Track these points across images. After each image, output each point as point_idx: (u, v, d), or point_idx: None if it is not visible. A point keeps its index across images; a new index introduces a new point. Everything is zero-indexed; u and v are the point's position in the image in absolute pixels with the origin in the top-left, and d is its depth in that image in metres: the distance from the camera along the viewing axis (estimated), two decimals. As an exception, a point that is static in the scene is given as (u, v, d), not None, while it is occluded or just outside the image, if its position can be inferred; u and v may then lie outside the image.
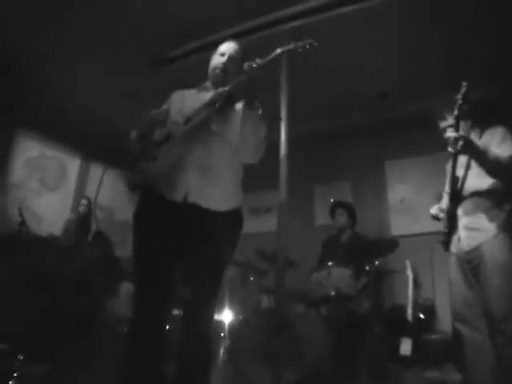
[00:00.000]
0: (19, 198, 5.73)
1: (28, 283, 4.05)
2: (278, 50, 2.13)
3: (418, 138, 5.33)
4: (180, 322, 2.04)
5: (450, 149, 2.56)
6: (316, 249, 4.89)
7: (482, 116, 2.95)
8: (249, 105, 2.09)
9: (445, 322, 4.00)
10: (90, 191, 6.62)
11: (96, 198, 5.24)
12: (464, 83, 2.58)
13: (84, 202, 5.79)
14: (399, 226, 5.55)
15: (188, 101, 2.33)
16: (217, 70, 2.35)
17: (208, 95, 2.27)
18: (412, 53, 4.74)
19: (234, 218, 2.19)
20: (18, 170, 5.96)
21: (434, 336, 4.11)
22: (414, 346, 3.75)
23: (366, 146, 6.03)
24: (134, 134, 2.28)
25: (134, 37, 4.70)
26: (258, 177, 5.91)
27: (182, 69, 4.91)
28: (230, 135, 2.20)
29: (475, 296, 2.63)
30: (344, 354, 3.46)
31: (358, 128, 6.07)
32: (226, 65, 2.33)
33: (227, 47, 2.41)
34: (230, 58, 2.35)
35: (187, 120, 2.15)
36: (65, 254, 4.94)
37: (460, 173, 2.81)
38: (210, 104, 2.15)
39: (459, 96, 2.59)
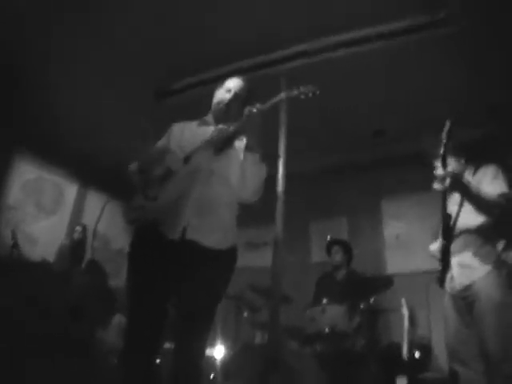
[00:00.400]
0: (14, 221, 5.70)
1: (18, 307, 3.99)
2: (282, 95, 2.16)
3: (414, 176, 5.35)
4: (171, 356, 2.02)
5: (436, 186, 2.59)
6: (311, 285, 4.87)
7: (478, 154, 2.98)
8: (250, 148, 2.14)
9: (441, 360, 3.96)
10: (86, 218, 6.60)
11: (96, 228, 5.24)
12: (447, 121, 2.62)
13: (79, 228, 5.78)
14: (395, 263, 5.53)
15: (188, 134, 2.35)
16: (221, 105, 2.38)
17: (209, 130, 2.32)
18: (409, 91, 4.84)
19: (230, 256, 2.20)
20: (15, 192, 5.94)
21: (429, 374, 4.05)
22: (410, 386, 3.71)
23: (363, 183, 6.05)
24: (133, 166, 2.31)
25: (137, 68, 4.77)
26: (255, 211, 5.96)
27: (184, 102, 4.97)
28: (229, 174, 2.22)
29: (470, 335, 2.61)
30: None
31: (355, 165, 6.14)
32: (230, 101, 2.37)
33: (234, 84, 2.44)
34: (236, 95, 2.39)
35: (187, 158, 2.17)
36: (57, 280, 4.89)
37: (453, 209, 2.82)
38: (211, 143, 2.19)
39: (443, 134, 2.63)
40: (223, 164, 2.21)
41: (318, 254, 5.90)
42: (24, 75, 5.04)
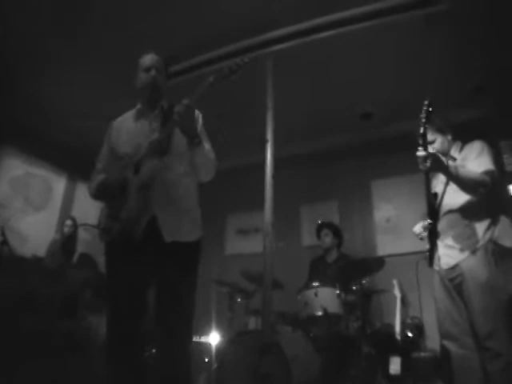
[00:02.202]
0: (3, 218, 5.64)
1: (10, 304, 3.98)
2: (210, 79, 2.16)
3: (404, 158, 5.36)
4: (158, 345, 2.12)
5: (420, 167, 2.57)
6: (303, 269, 4.89)
7: (465, 131, 2.98)
8: (192, 143, 2.17)
9: (433, 339, 4.00)
10: (76, 211, 6.56)
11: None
12: (425, 101, 2.60)
13: (69, 222, 5.74)
14: (385, 245, 5.55)
15: (125, 133, 2.40)
16: (149, 87, 2.39)
17: (145, 124, 2.35)
18: (395, 73, 4.83)
19: (198, 247, 2.29)
20: (3, 188, 5.88)
21: (422, 354, 4.09)
22: (403, 365, 3.74)
23: (352, 166, 6.07)
24: (92, 190, 2.42)
25: (124, 55, 4.70)
26: (245, 197, 5.98)
27: (173, 89, 4.92)
28: (179, 169, 2.29)
29: (460, 313, 2.63)
30: (332, 374, 3.43)
31: (344, 148, 6.15)
32: (155, 78, 2.38)
33: (150, 61, 2.44)
34: (157, 70, 2.40)
35: (136, 169, 2.19)
36: (49, 275, 4.88)
37: (440, 189, 2.82)
38: (152, 152, 2.19)
39: (422, 114, 2.58)
40: (171, 164, 2.25)
41: (308, 238, 5.92)
42: (7, 68, 4.98)
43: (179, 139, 2.22)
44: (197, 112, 2.30)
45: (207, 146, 2.31)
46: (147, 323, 2.15)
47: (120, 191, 2.18)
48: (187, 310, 2.13)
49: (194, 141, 2.17)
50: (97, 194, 2.37)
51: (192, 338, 2.20)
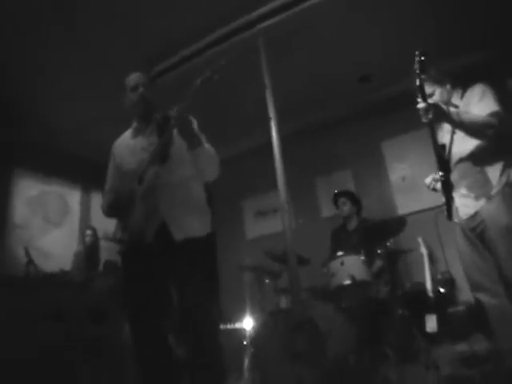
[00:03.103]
0: (25, 238, 5.73)
1: (43, 320, 4.05)
2: (197, 81, 2.17)
3: (409, 114, 5.29)
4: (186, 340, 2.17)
5: (423, 120, 2.51)
6: (325, 241, 4.87)
7: (463, 78, 2.90)
8: (192, 146, 2.22)
9: (466, 291, 3.95)
10: (95, 220, 6.62)
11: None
12: (416, 52, 2.53)
13: (89, 232, 5.79)
14: (405, 205, 5.49)
15: (125, 151, 2.49)
16: (139, 106, 2.47)
17: (143, 140, 2.44)
18: (389, 30, 4.73)
19: (209, 241, 2.35)
20: (20, 210, 5.96)
21: (457, 308, 4.06)
22: (440, 321, 3.72)
23: (360, 131, 6.00)
24: (104, 209, 2.54)
25: (121, 62, 4.70)
26: (258, 179, 5.97)
27: (169, 83, 4.89)
28: (183, 168, 2.35)
29: (487, 262, 2.58)
30: (368, 341, 3.43)
31: (349, 115, 6.07)
32: (143, 96, 2.44)
33: (135, 80, 2.50)
34: (144, 85, 2.47)
35: (140, 179, 2.27)
36: (77, 288, 4.94)
37: (447, 139, 2.75)
38: (153, 161, 2.28)
39: (415, 66, 2.52)
40: (173, 169, 2.33)
41: (327, 210, 5.90)
42: (15, 86, 5.05)
43: (179, 144, 2.29)
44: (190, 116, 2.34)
45: (207, 145, 2.36)
46: (172, 321, 2.21)
47: (130, 204, 2.28)
48: (209, 300, 2.18)
49: (194, 142, 2.21)
50: (109, 212, 2.49)
51: (218, 327, 2.26)
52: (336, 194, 4.96)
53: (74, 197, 6.78)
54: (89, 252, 5.63)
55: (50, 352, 3.67)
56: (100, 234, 5.81)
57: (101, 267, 5.53)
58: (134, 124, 2.55)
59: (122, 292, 2.38)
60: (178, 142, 2.29)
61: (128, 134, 2.58)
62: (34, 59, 4.60)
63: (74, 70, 4.79)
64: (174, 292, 2.21)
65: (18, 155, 5.86)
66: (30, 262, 5.01)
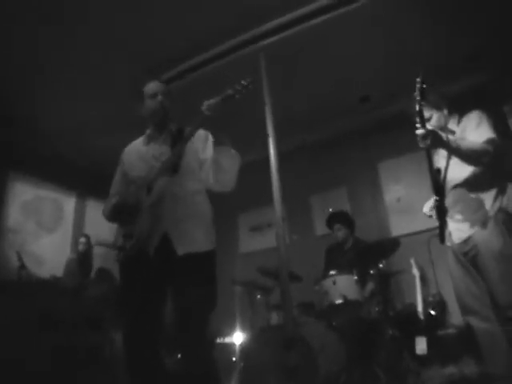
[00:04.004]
0: (17, 243, 5.72)
1: (34, 326, 4.04)
2: (229, 91, 2.20)
3: (407, 137, 5.33)
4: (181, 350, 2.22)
5: (421, 145, 2.54)
6: (319, 259, 4.88)
7: (460, 103, 2.95)
8: (219, 142, 2.24)
9: (456, 315, 3.97)
10: (88, 228, 6.62)
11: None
12: (417, 79, 2.57)
13: (83, 240, 5.79)
14: (399, 226, 5.53)
15: (136, 158, 2.48)
16: (158, 114, 2.45)
17: (156, 146, 2.43)
18: (387, 52, 4.80)
19: (211, 257, 2.32)
20: (14, 214, 5.95)
21: (447, 331, 4.07)
22: (430, 344, 3.72)
23: (357, 150, 6.05)
24: (106, 212, 2.48)
25: (118, 69, 4.75)
26: (254, 194, 5.99)
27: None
28: (192, 182, 2.36)
29: (479, 286, 2.60)
30: (359, 360, 3.43)
31: (347, 133, 6.12)
32: (162, 104, 2.42)
33: (154, 88, 2.49)
34: (163, 94, 2.45)
35: (149, 188, 2.27)
36: (69, 294, 4.92)
37: (442, 164, 2.78)
38: (165, 168, 2.27)
39: (416, 93, 2.53)
40: (183, 181, 2.32)
41: (321, 228, 5.88)
42: (10, 93, 5.06)
43: (191, 157, 2.32)
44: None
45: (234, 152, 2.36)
46: (165, 334, 2.22)
47: (134, 211, 2.27)
48: (203, 314, 2.16)
49: (221, 141, 2.25)
50: (111, 216, 2.43)
51: (213, 341, 2.26)
52: (329, 218, 4.97)
53: (68, 203, 6.78)
54: (82, 259, 5.62)
55: (41, 358, 3.66)
56: (93, 241, 5.81)
57: (93, 275, 5.53)
58: (148, 131, 2.53)
59: (117, 300, 2.35)
60: (190, 155, 2.31)
61: (140, 141, 2.57)
62: (32, 63, 4.60)
63: (72, 74, 4.78)
64: (171, 304, 2.19)
65: (13, 159, 5.85)
66: (23, 266, 5.01)
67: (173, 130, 2.45)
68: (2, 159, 5.65)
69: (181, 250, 2.17)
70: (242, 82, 2.20)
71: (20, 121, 5.46)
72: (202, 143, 2.43)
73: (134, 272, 2.23)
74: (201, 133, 2.44)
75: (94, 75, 4.85)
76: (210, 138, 2.44)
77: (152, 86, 2.49)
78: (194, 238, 2.24)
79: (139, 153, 2.47)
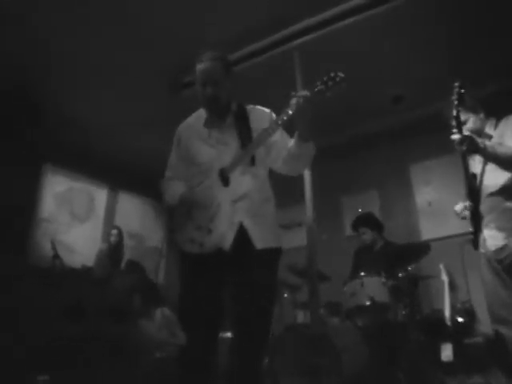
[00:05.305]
0: (51, 232, 5.87)
1: (64, 314, 4.12)
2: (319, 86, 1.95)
3: (440, 138, 5.27)
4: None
5: (457, 150, 2.50)
6: (347, 260, 4.86)
7: (497, 107, 2.87)
8: (302, 137, 2.05)
9: (485, 323, 3.90)
10: (119, 220, 6.76)
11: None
12: (456, 83, 2.53)
13: (114, 231, 5.90)
14: (429, 230, 5.46)
15: (197, 139, 2.28)
16: (208, 102, 2.22)
17: (220, 132, 2.23)
18: (424, 54, 4.75)
19: (280, 253, 2.23)
20: (48, 204, 6.13)
21: (475, 339, 3.99)
22: (456, 351, 3.67)
23: (389, 152, 5.98)
24: (172, 200, 2.27)
25: (151, 66, 4.82)
26: (286, 192, 6.00)
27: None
28: (263, 171, 2.27)
29: (511, 296, 2.55)
30: (382, 363, 3.41)
31: (379, 135, 6.06)
32: (214, 92, 2.17)
33: (205, 73, 2.19)
34: (214, 82, 2.17)
35: (224, 179, 2.11)
36: (99, 284, 5.02)
37: (478, 169, 2.74)
38: (241, 161, 2.12)
39: (454, 97, 2.52)
40: (258, 171, 2.21)
41: (350, 229, 5.88)
42: (46, 86, 5.19)
43: (262, 148, 2.18)
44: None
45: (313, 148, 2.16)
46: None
47: (208, 203, 2.11)
48: (269, 315, 2.10)
49: (304, 136, 2.04)
50: (178, 205, 2.21)
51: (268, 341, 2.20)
52: (355, 223, 4.94)
53: (100, 195, 6.94)
54: (112, 250, 5.73)
55: (69, 345, 3.72)
56: (125, 233, 5.93)
57: (123, 266, 5.63)
58: (206, 114, 2.29)
59: (180, 292, 2.20)
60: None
61: (197, 119, 2.34)
62: (67, 59, 4.72)
63: (112, 70, 4.91)
64: (233, 302, 2.08)
65: (49, 151, 6.03)
66: (57, 255, 5.12)
67: (235, 111, 2.26)
68: (39, 151, 5.80)
69: (259, 244, 2.06)
70: (332, 75, 1.94)
71: (58, 114, 5.59)
72: (268, 124, 2.13)
73: (204, 270, 2.09)
74: (264, 113, 2.30)
75: (132, 73, 4.96)
76: (274, 118, 2.21)
77: (201, 72, 2.19)
78: (269, 231, 2.15)
79: (201, 135, 2.26)
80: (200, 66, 2.19)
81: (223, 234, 2.05)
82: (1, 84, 4.99)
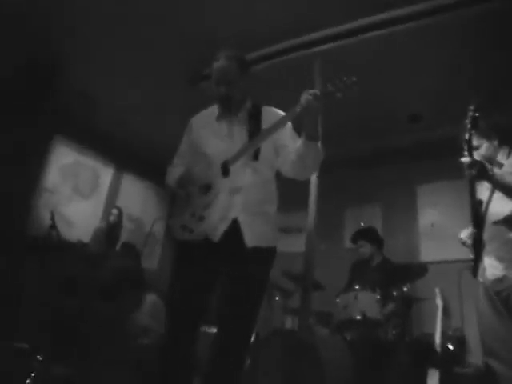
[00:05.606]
0: (52, 203, 5.86)
1: (55, 286, 4.12)
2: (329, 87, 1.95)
3: (450, 162, 5.24)
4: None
5: (465, 174, 2.47)
6: (344, 271, 4.82)
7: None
8: (310, 137, 2.04)
9: (476, 354, 3.86)
10: (121, 201, 6.74)
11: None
12: (470, 107, 2.49)
13: (115, 211, 5.89)
14: (429, 252, 5.43)
15: (209, 131, 2.30)
16: (222, 101, 2.27)
17: (231, 126, 2.26)
18: (444, 76, 4.70)
19: (274, 254, 2.23)
20: (53, 175, 6.11)
21: (464, 369, 3.94)
22: (442, 380, 3.62)
23: (398, 170, 5.97)
24: (171, 181, 2.33)
25: (173, 54, 4.78)
26: (290, 197, 5.97)
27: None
28: (267, 169, 2.25)
29: (507, 330, 2.48)
30: (366, 380, 3.37)
31: (390, 151, 6.04)
32: (228, 92, 2.21)
33: (220, 72, 2.22)
34: (228, 83, 2.20)
35: (225, 170, 2.12)
36: (92, 261, 5.00)
37: (485, 196, 2.69)
38: (244, 154, 2.13)
39: (467, 120, 2.49)
40: (262, 167, 2.21)
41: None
42: (60, 62, 5.17)
43: (267, 145, 2.17)
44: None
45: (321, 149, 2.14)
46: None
47: (204, 190, 2.14)
48: (253, 315, 2.11)
49: (312, 136, 2.03)
50: (176, 186, 2.27)
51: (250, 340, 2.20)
52: (355, 235, 4.90)
53: (106, 174, 6.93)
54: (110, 230, 5.72)
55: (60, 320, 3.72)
56: (125, 215, 5.91)
57: (118, 248, 5.61)
58: (219, 108, 2.32)
59: (172, 278, 2.22)
60: (267, 143, 2.16)
61: (211, 113, 2.36)
62: (81, 34, 4.68)
63: (129, 52, 4.85)
64: (219, 296, 2.11)
65: (58, 122, 5.97)
66: (54, 226, 5.10)
67: (249, 109, 2.29)
68: (50, 121, 5.78)
69: (250, 242, 2.06)
70: (344, 79, 1.92)
71: (72, 89, 5.57)
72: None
73: (193, 258, 2.12)
74: (278, 115, 2.25)
75: (152, 59, 4.93)
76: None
77: (216, 71, 2.24)
78: (264, 231, 2.14)
79: (212, 127, 2.29)
80: (216, 64, 2.24)
81: (214, 225, 2.07)
82: (16, 59, 5.01)
